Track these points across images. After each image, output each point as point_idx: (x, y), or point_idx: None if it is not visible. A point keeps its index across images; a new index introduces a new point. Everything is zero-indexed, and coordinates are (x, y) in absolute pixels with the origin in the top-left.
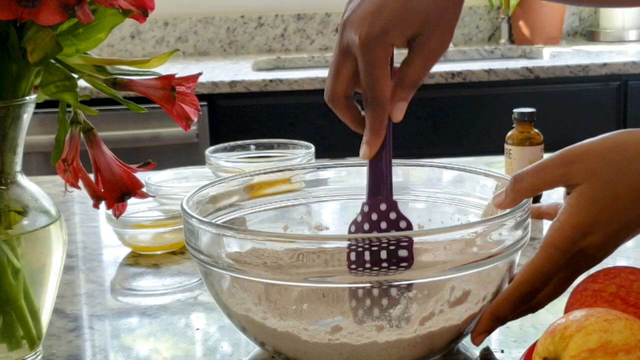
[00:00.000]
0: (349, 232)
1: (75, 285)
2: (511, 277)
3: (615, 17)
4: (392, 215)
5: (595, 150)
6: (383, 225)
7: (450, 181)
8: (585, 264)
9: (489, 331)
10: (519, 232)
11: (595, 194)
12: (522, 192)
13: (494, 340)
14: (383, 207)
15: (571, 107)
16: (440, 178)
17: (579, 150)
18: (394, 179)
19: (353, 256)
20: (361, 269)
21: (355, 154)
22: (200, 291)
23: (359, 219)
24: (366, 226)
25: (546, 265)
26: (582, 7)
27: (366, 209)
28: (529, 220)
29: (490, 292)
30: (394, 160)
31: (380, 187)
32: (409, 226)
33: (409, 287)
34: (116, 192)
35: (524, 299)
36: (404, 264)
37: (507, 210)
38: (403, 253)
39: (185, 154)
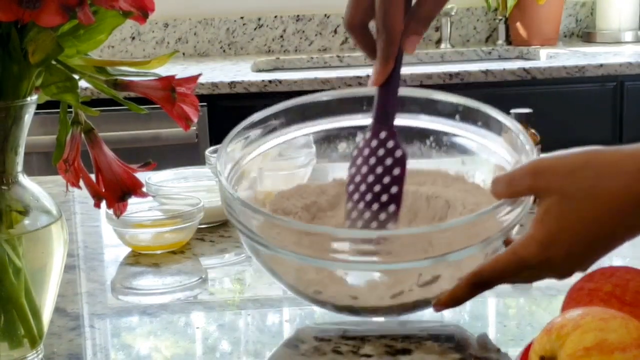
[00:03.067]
0: (352, 155)
1: (76, 284)
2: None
3: (612, 19)
4: (390, 144)
5: (564, 165)
6: (380, 152)
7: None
8: (548, 275)
9: (447, 307)
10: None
11: (560, 211)
12: (498, 197)
13: (492, 339)
14: (383, 135)
15: (568, 107)
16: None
17: (548, 164)
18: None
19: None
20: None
21: None
22: (200, 290)
23: (361, 144)
24: (366, 151)
25: (505, 269)
26: None
27: (368, 135)
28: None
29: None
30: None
31: (383, 115)
32: (404, 155)
33: None
34: (117, 192)
35: (477, 289)
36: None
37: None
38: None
39: (185, 154)
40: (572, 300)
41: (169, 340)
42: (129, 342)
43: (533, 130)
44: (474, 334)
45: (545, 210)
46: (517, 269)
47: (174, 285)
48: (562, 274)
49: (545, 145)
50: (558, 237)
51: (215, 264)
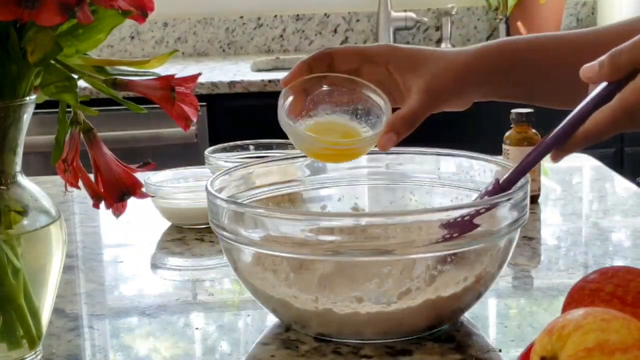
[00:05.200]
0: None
1: (75, 284)
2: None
3: (613, 18)
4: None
5: None
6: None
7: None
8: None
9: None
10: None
11: None
12: (620, 66)
13: (492, 339)
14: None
15: None
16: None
17: None
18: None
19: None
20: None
21: None
22: (199, 290)
23: (489, 187)
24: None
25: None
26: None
27: (493, 183)
28: (527, 200)
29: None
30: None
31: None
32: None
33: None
34: (116, 192)
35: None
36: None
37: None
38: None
39: (184, 154)
40: (573, 300)
41: (168, 341)
42: (128, 343)
43: (534, 130)
44: (474, 334)
45: None
46: (616, 117)
47: (173, 286)
48: None
49: None
50: None
51: (214, 264)
